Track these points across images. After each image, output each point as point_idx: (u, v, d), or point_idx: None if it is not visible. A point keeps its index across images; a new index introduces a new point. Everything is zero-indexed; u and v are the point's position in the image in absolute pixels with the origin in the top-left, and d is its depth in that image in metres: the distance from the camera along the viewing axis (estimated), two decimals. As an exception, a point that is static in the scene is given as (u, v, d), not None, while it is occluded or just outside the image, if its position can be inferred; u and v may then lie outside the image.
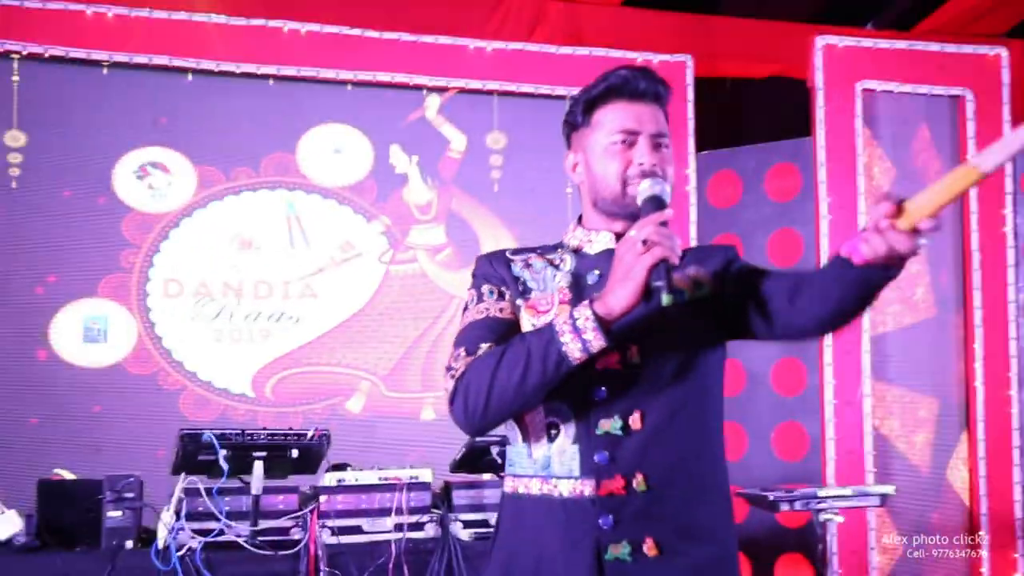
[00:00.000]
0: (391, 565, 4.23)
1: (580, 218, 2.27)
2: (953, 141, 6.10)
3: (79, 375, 5.51)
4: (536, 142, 6.24)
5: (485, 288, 2.19)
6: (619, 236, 2.12)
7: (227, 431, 4.21)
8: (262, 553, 4.13)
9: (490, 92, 6.15)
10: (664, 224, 1.92)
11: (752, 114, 6.85)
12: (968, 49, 6.12)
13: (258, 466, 4.18)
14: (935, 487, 5.97)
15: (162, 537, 4.05)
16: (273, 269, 5.84)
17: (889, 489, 4.98)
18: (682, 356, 2.10)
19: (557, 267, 2.19)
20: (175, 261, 5.71)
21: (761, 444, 6.02)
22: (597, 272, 2.15)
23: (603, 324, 1.92)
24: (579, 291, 2.12)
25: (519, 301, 2.16)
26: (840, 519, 4.85)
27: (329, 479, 4.35)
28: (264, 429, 4.31)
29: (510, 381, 1.97)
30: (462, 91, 6.14)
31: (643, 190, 2.06)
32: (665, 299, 1.86)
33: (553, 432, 2.08)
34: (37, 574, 3.93)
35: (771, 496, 4.77)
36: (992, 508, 5.94)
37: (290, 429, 4.35)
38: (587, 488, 2.04)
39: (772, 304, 2.09)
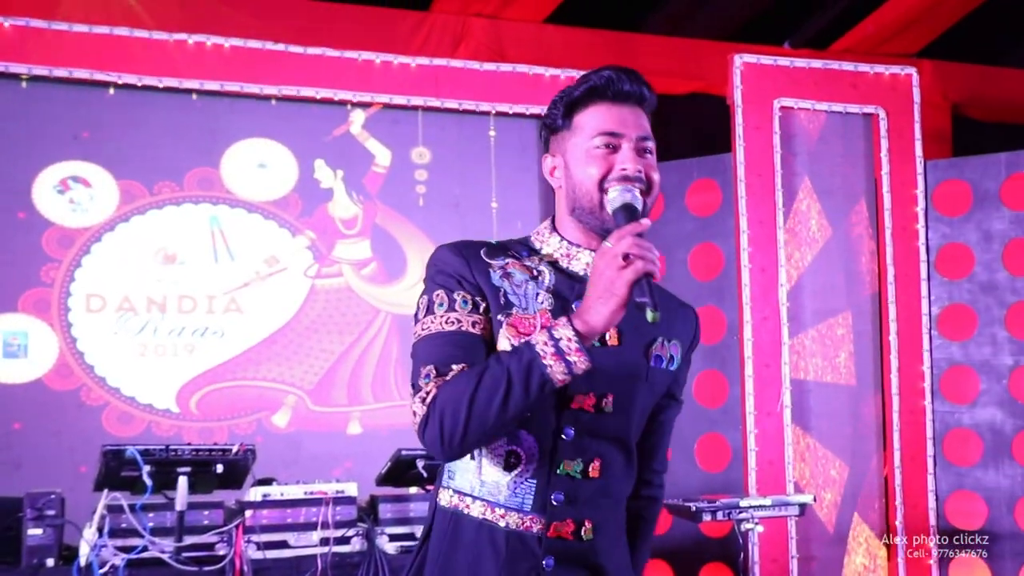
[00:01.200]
0: (389, 579, 4.24)
1: (553, 220, 2.14)
2: (868, 158, 6.27)
3: (-2, 391, 5.44)
4: (460, 157, 6.30)
5: (458, 296, 1.99)
6: None
7: (151, 447, 4.18)
8: (187, 569, 4.11)
9: (414, 108, 6.19)
10: (641, 235, 1.84)
11: (674, 130, 6.96)
12: (880, 69, 6.30)
13: (182, 482, 4.16)
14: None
15: (84, 555, 4.01)
16: (197, 283, 5.81)
17: (808, 498, 5.09)
18: (642, 416, 2.10)
19: (536, 280, 2.03)
20: (98, 276, 5.66)
21: (684, 455, 6.11)
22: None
23: (584, 344, 1.83)
24: (561, 314, 1.93)
25: (500, 316, 1.98)
26: (761, 528, 4.94)
27: (254, 494, 4.35)
28: (188, 444, 4.29)
29: (490, 407, 1.84)
30: (386, 106, 6.17)
31: (612, 199, 1.97)
32: (650, 316, 1.80)
33: (512, 460, 1.98)
34: (-45, 594, 3.88)
35: (693, 506, 4.85)
36: (907, 516, 6.08)
37: (215, 444, 4.33)
38: (536, 526, 1.98)
39: (644, 457, 2.17)
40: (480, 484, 2.00)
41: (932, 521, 6.08)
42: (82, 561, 4.00)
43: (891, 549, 6.10)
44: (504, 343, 1.96)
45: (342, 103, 6.09)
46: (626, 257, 1.80)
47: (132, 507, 4.10)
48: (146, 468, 4.09)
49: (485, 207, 6.26)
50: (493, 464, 1.98)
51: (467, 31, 6.55)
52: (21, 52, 5.49)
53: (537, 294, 2.01)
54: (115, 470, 4.12)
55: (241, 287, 5.89)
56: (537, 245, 2.10)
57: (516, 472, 1.98)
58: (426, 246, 6.21)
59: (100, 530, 4.05)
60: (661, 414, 2.17)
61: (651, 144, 2.05)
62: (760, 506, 4.91)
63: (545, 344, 1.83)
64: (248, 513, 4.28)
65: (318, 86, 5.96)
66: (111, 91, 5.71)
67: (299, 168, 6.06)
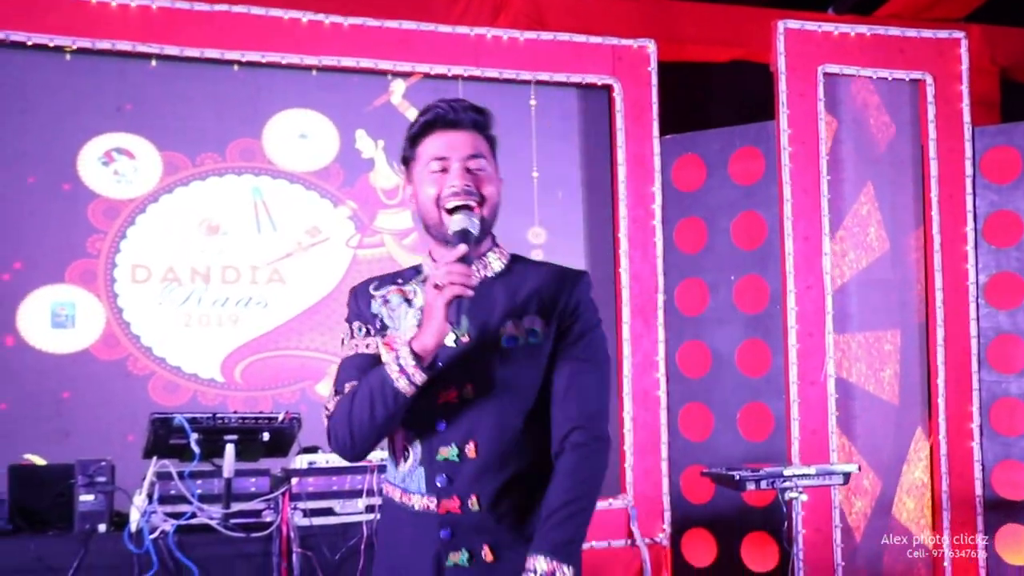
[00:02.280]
0: (363, 546, 4.27)
1: (430, 247, 2.45)
2: (914, 124, 6.19)
3: (47, 361, 5.48)
4: (501, 126, 6.20)
5: (355, 325, 2.41)
6: None
7: (198, 415, 4.22)
8: (234, 535, 4.16)
9: (454, 77, 6.16)
10: (464, 259, 2.17)
11: (716, 98, 6.91)
12: (927, 33, 6.21)
13: (229, 449, 4.20)
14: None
15: (135, 520, 4.07)
16: (240, 254, 5.84)
17: (852, 467, 5.06)
18: (513, 392, 2.32)
19: (410, 302, 2.39)
20: (142, 247, 5.69)
21: (727, 424, 6.09)
22: None
23: (421, 360, 2.20)
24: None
25: (378, 338, 2.36)
26: (805, 497, 4.93)
27: (300, 462, 4.38)
28: (235, 413, 4.33)
29: (362, 418, 2.24)
30: (427, 76, 6.14)
31: (453, 223, 2.28)
32: (457, 332, 2.20)
33: (407, 454, 2.34)
34: (10, 558, 3.94)
35: (737, 475, 4.84)
36: (953, 486, 6.04)
37: (261, 412, 4.37)
38: (431, 504, 2.31)
39: (552, 422, 2.35)
40: (396, 475, 2.38)
41: (978, 491, 6.04)
42: (132, 527, 4.05)
43: (936, 520, 6.06)
44: (385, 359, 2.26)
45: (382, 73, 6.08)
46: (438, 287, 2.15)
47: (180, 474, 4.15)
48: (194, 436, 4.14)
49: (526, 177, 6.25)
50: (400, 459, 2.36)
51: (507, 0, 6.52)
52: (65, 25, 5.51)
53: (407, 313, 2.37)
54: (163, 438, 4.17)
55: (283, 257, 5.91)
56: (424, 269, 2.44)
57: (408, 463, 2.34)
58: (467, 216, 6.20)
59: (150, 496, 4.10)
60: (558, 376, 2.35)
61: (480, 161, 2.35)
62: (804, 475, 4.90)
63: (392, 364, 2.21)
64: (294, 480, 4.31)
65: (359, 56, 5.95)
66: (153, 63, 5.73)
67: (340, 138, 6.06)
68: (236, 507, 4.21)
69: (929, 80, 6.14)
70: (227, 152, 5.87)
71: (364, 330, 2.39)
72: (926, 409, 6.11)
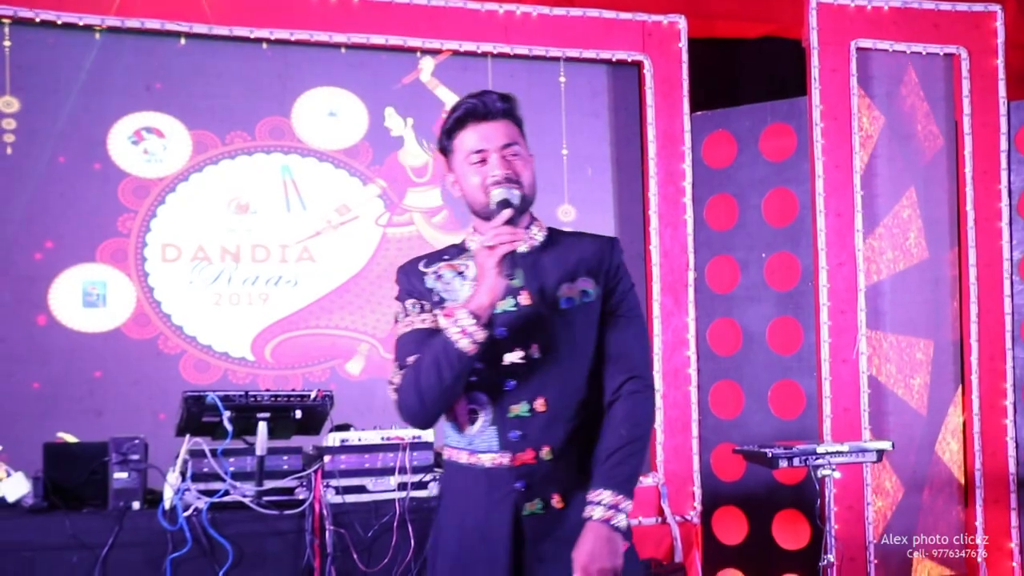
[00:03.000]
0: (396, 523, 4.27)
1: (474, 224, 2.66)
2: (948, 100, 6.12)
3: (79, 340, 5.51)
4: (530, 103, 6.22)
5: (409, 302, 2.60)
6: None
7: (231, 392, 4.22)
8: (268, 513, 4.16)
9: (484, 54, 6.13)
10: (510, 222, 2.41)
11: (747, 74, 6.85)
12: (962, 7, 6.13)
13: (262, 427, 4.20)
14: (932, 435, 6.01)
15: (168, 498, 4.07)
16: (270, 233, 5.85)
17: (886, 445, 5.03)
18: (572, 348, 2.55)
19: (463, 274, 2.60)
20: (172, 226, 5.70)
21: (758, 402, 6.07)
22: None
23: (479, 319, 2.39)
24: None
25: (437, 311, 2.56)
26: (837, 475, 4.90)
27: (332, 439, 4.38)
28: (267, 391, 4.33)
29: (430, 383, 2.43)
30: (456, 53, 6.12)
31: (493, 197, 2.49)
32: (515, 282, 2.45)
33: (474, 416, 2.54)
34: (46, 535, 3.95)
35: (769, 453, 4.82)
36: (986, 464, 6.00)
37: (293, 390, 4.37)
38: (504, 459, 2.52)
39: (602, 379, 2.59)
40: (460, 439, 2.59)
41: (1011, 468, 5.99)
42: (166, 504, 4.06)
43: (969, 497, 6.02)
44: (443, 324, 2.49)
45: (411, 50, 6.05)
46: (491, 247, 2.36)
47: (213, 452, 4.16)
48: (226, 414, 4.14)
49: (556, 154, 6.22)
50: (463, 423, 2.56)
51: (536, -24, 6.48)
52: (95, 4, 5.51)
53: (462, 286, 2.57)
54: (196, 416, 4.18)
55: (313, 236, 5.91)
56: (467, 244, 2.66)
57: (479, 424, 2.54)
58: (497, 194, 6.18)
59: (183, 474, 4.11)
60: (605, 326, 2.59)
61: (515, 147, 2.56)
62: (837, 452, 4.87)
63: (452, 327, 2.41)
64: (327, 458, 4.32)
65: (387, 33, 5.92)
66: (182, 41, 5.73)
67: (369, 116, 6.05)
68: (269, 484, 4.21)
69: (964, 54, 6.07)
70: (256, 130, 5.87)
71: (419, 306, 2.58)
72: (959, 384, 6.07)
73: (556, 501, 2.52)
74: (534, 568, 2.51)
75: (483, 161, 2.54)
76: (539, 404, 2.51)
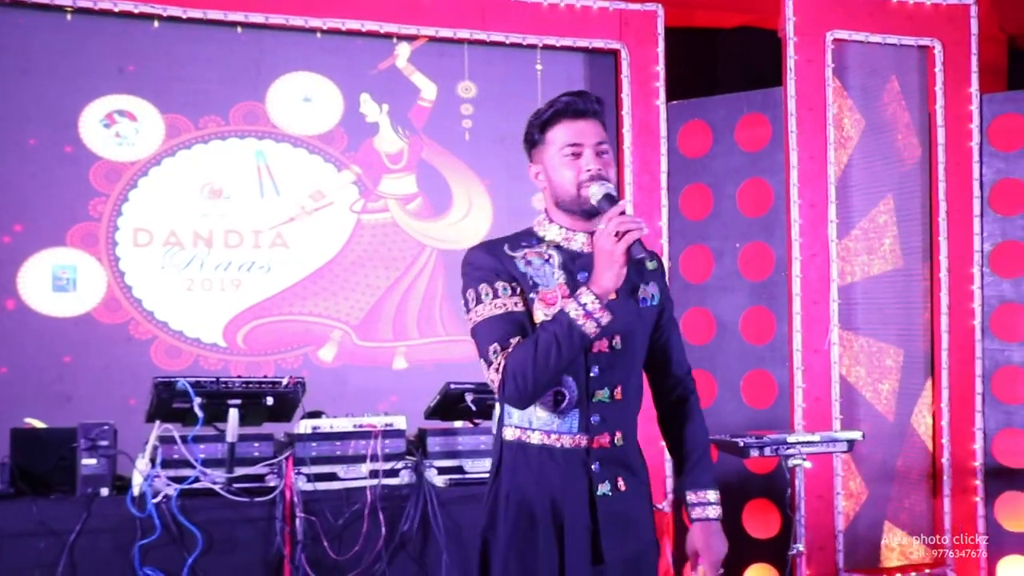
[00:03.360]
0: (367, 511, 4.27)
1: (547, 212, 2.75)
2: (922, 91, 6.14)
3: (48, 325, 5.47)
4: (507, 91, 6.23)
5: (499, 284, 2.63)
6: (591, 235, 2.62)
7: (201, 378, 4.21)
8: (238, 500, 4.15)
9: (460, 41, 6.11)
10: (623, 212, 2.48)
11: (723, 64, 6.85)
12: (938, 0, 6.14)
13: (233, 413, 4.19)
14: (900, 434, 6.06)
15: (137, 484, 4.06)
16: (243, 218, 5.81)
17: (856, 435, 5.05)
18: (640, 344, 2.76)
19: (549, 262, 2.67)
20: (144, 210, 5.66)
21: (730, 392, 6.09)
22: (586, 272, 2.61)
23: (602, 301, 2.49)
24: (573, 284, 2.63)
25: (532, 295, 2.63)
26: (808, 465, 4.92)
27: (304, 426, 4.37)
28: (239, 377, 4.31)
29: (548, 362, 2.50)
30: (432, 39, 6.09)
31: (595, 193, 2.58)
32: (650, 265, 2.63)
33: (559, 399, 2.64)
34: (14, 521, 3.93)
35: (741, 442, 4.83)
36: (954, 454, 6.04)
37: (264, 377, 4.35)
38: (583, 441, 2.65)
39: (657, 376, 2.88)
40: (536, 419, 2.67)
41: (979, 459, 6.04)
42: (135, 491, 4.05)
43: (938, 487, 6.07)
44: (539, 314, 2.62)
45: (387, 36, 6.03)
46: (618, 234, 2.44)
47: (183, 438, 4.14)
48: (197, 400, 4.12)
49: (531, 142, 6.19)
50: (544, 404, 2.65)
51: (513, -37, 6.45)
52: (66, -16, 5.47)
53: (553, 272, 2.66)
54: (166, 401, 4.16)
55: (287, 222, 5.89)
56: (541, 234, 2.73)
57: (563, 406, 2.65)
58: (472, 181, 6.18)
59: (152, 461, 4.09)
60: (662, 336, 2.84)
61: (606, 146, 2.68)
62: (808, 442, 4.89)
63: (576, 310, 2.50)
64: (298, 445, 4.31)
65: (363, 19, 5.89)
66: (156, 24, 5.68)
67: (344, 102, 6.02)
68: (239, 471, 4.20)
69: (938, 47, 6.09)
70: (230, 115, 5.84)
71: (510, 289, 2.63)
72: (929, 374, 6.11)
73: (620, 484, 2.69)
74: (605, 546, 2.65)
75: (577, 155, 2.64)
76: (618, 392, 2.68)
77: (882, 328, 6.08)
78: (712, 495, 2.77)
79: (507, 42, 6.12)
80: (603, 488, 2.66)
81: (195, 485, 4.12)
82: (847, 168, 6.02)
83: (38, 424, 5.06)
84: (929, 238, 6.14)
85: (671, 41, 6.24)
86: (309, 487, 4.27)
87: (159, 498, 4.05)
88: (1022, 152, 6.04)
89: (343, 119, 6.01)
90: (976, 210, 6.09)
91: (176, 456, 4.14)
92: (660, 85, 6.18)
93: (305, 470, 4.28)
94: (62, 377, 5.43)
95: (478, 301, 2.64)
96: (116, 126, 5.65)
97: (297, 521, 4.20)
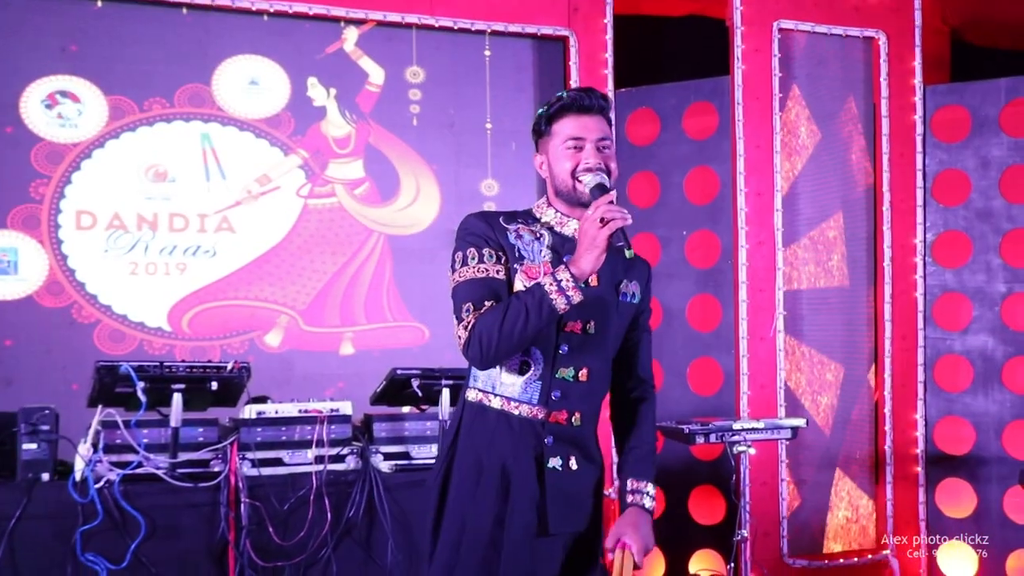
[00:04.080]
0: (312, 496, 4.25)
1: (547, 197, 2.86)
2: (867, 82, 6.20)
3: (-12, 308, 5.39)
4: (455, 77, 6.21)
5: (485, 250, 2.73)
6: None
7: (145, 363, 4.17)
8: (182, 485, 4.12)
9: (408, 25, 6.08)
10: (612, 202, 2.58)
11: (671, 52, 6.88)
12: (883, -9, 6.21)
13: (177, 398, 4.15)
14: (843, 423, 6.12)
15: (79, 469, 4.01)
16: (189, 202, 5.75)
17: (800, 422, 5.11)
18: (617, 335, 2.86)
19: (539, 240, 2.78)
20: (87, 192, 5.58)
21: (676, 378, 6.12)
22: (572, 255, 2.68)
23: (577, 283, 2.58)
24: (558, 264, 2.71)
25: (516, 266, 2.73)
26: (753, 451, 4.98)
27: (249, 411, 4.34)
28: (183, 361, 4.27)
29: (514, 329, 2.59)
30: (380, 24, 6.06)
31: (588, 182, 2.70)
32: (628, 253, 2.60)
33: (525, 368, 2.74)
34: (-49, 506, 3.87)
35: (686, 429, 4.87)
36: (896, 441, 6.13)
37: (209, 361, 4.31)
38: (540, 414, 2.75)
39: (621, 373, 2.93)
40: (499, 384, 2.77)
41: (920, 446, 6.12)
42: (77, 476, 4.00)
43: (880, 474, 6.15)
44: (519, 284, 2.71)
45: (335, 20, 5.98)
46: (603, 220, 2.53)
47: (127, 423, 4.09)
48: (140, 384, 4.08)
49: (479, 128, 6.19)
50: (510, 370, 2.75)
51: (462, -52, 6.43)
52: (7, -38, 5.37)
53: (540, 250, 2.77)
54: (109, 386, 4.11)
55: (233, 206, 5.83)
56: (538, 215, 2.85)
57: (527, 375, 2.75)
58: (420, 167, 6.15)
59: (95, 446, 4.05)
60: (634, 336, 2.94)
61: (608, 142, 2.78)
62: (753, 429, 4.94)
63: (551, 284, 2.59)
64: (243, 430, 4.28)
65: (311, 2, 5.85)
66: (99, 3, 5.60)
67: (291, 86, 5.97)
68: (183, 457, 4.16)
69: (883, 38, 6.15)
70: (175, 97, 5.77)
71: (495, 256, 2.73)
72: (872, 365, 6.18)
73: (572, 463, 2.77)
74: (550, 518, 2.73)
75: (579, 148, 2.75)
76: (583, 373, 2.77)
77: (825, 342, 6.14)
78: (651, 488, 2.87)
79: (455, 27, 6.10)
80: (554, 462, 2.75)
81: (138, 470, 4.08)
82: (800, 176, 6.07)
83: (-23, 409, 4.98)
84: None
85: (620, 28, 6.25)
86: (254, 472, 4.24)
87: (101, 483, 4.00)
88: (964, 143, 6.13)
89: (290, 103, 5.96)
90: (919, 200, 6.17)
91: (119, 441, 4.09)
92: (608, 72, 6.18)
93: (250, 455, 4.25)
94: (2, 360, 5.35)
95: (463, 263, 2.73)
96: (58, 107, 5.56)
97: (242, 507, 4.18)
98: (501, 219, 2.81)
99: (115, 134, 5.65)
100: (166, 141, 5.73)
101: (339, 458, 4.36)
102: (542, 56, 6.33)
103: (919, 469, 6.12)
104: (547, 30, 6.18)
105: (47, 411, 4.06)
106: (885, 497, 6.13)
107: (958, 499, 6.08)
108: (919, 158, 6.17)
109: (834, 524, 6.07)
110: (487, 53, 6.22)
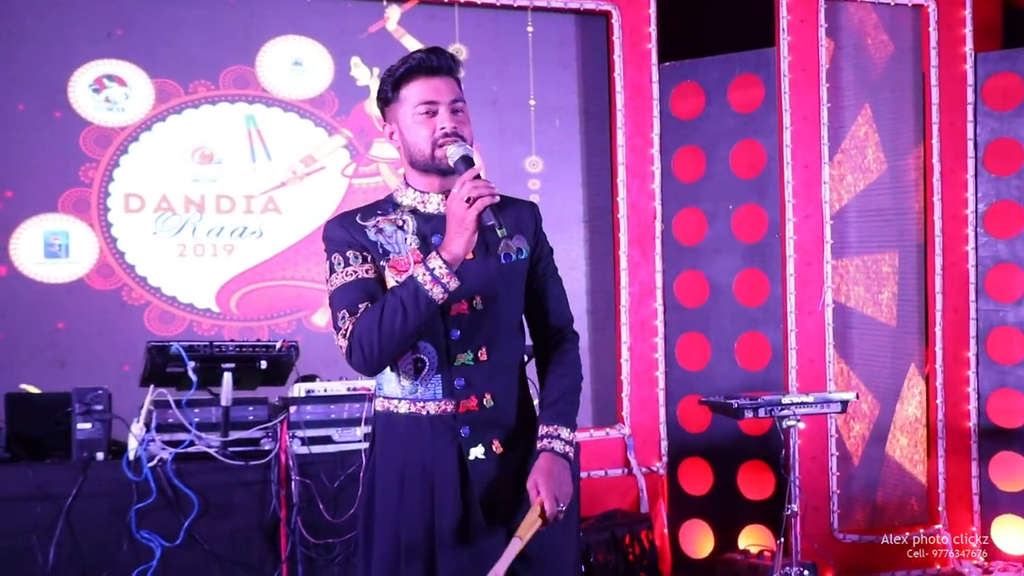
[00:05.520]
0: (362, 473, 4.26)
1: (404, 176, 2.72)
2: (916, 51, 6.11)
3: (41, 291, 5.44)
4: (498, 54, 6.19)
5: (349, 253, 2.59)
6: (446, 196, 2.57)
7: (195, 343, 4.22)
8: (233, 463, 4.16)
9: (451, 3, 6.06)
10: (478, 176, 2.44)
11: (715, 25, 6.81)
12: (931, -42, 6.11)
13: (227, 377, 4.19)
14: (895, 392, 6.07)
15: (133, 449, 4.07)
16: (235, 184, 5.78)
17: (850, 395, 5.07)
18: (511, 302, 2.69)
19: (403, 228, 2.64)
20: (135, 175, 5.63)
21: (724, 354, 6.09)
22: (440, 235, 2.57)
23: (452, 267, 2.45)
24: (427, 249, 2.58)
25: (383, 263, 2.60)
26: (802, 426, 4.95)
27: (298, 390, 4.37)
28: (232, 341, 4.32)
29: (394, 328, 2.46)
30: (423, 2, 6.05)
31: (452, 154, 2.55)
32: (500, 233, 2.43)
33: (419, 365, 2.60)
34: (9, 485, 3.94)
35: (735, 404, 4.84)
36: (948, 415, 6.06)
37: (258, 340, 4.35)
38: (449, 407, 2.60)
39: (534, 328, 2.80)
40: (402, 388, 2.63)
41: (973, 420, 6.06)
42: (131, 455, 4.06)
43: (931, 448, 6.09)
44: (391, 281, 2.58)
45: (377, -1, 6.00)
46: (469, 200, 2.40)
47: (178, 403, 4.14)
48: (191, 364, 4.13)
49: (523, 105, 6.17)
50: (406, 372, 2.61)
51: (504, -76, 6.40)
52: (52, -52, 5.41)
53: (405, 238, 2.62)
54: (160, 366, 4.15)
55: (279, 187, 5.86)
56: (398, 199, 2.70)
57: (424, 373, 2.61)
58: (464, 145, 6.14)
59: (147, 425, 4.10)
60: (537, 287, 2.77)
61: (461, 103, 2.64)
62: (802, 403, 4.90)
63: (424, 275, 2.46)
64: (292, 409, 4.31)
65: (353, -19, 5.86)
66: (143, -13, 5.64)
67: (335, 66, 5.98)
68: (234, 435, 4.21)
69: (932, 6, 6.05)
70: (220, 79, 5.80)
71: (361, 257, 2.59)
72: (923, 339, 6.11)
73: (496, 446, 2.64)
74: (479, 510, 2.59)
75: (431, 114, 2.60)
76: (481, 353, 2.63)
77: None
78: (565, 432, 2.64)
79: (498, 4, 6.07)
80: (475, 452, 2.61)
81: (190, 449, 4.13)
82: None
83: (33, 390, 5.05)
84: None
85: (663, 2, 6.20)
86: (304, 450, 4.28)
87: (154, 462, 4.06)
88: (1017, 111, 6.03)
89: (333, 83, 5.97)
90: (971, 170, 6.08)
91: (171, 420, 4.14)
92: (652, 47, 6.13)
93: (300, 433, 4.29)
94: (56, 343, 5.42)
95: (331, 271, 2.61)
96: (106, 91, 5.61)
97: (292, 484, 4.22)
98: (358, 217, 2.66)
99: (162, 117, 5.70)
100: (212, 123, 5.77)
101: (388, 435, 4.38)
102: (585, 32, 6.30)
103: (972, 443, 6.06)
104: (590, 5, 6.14)
105: (100, 391, 4.12)
106: (937, 471, 6.07)
107: (1012, 473, 6.01)
108: (970, 127, 6.07)
109: (885, 498, 6.03)
110: (530, 30, 6.20)
